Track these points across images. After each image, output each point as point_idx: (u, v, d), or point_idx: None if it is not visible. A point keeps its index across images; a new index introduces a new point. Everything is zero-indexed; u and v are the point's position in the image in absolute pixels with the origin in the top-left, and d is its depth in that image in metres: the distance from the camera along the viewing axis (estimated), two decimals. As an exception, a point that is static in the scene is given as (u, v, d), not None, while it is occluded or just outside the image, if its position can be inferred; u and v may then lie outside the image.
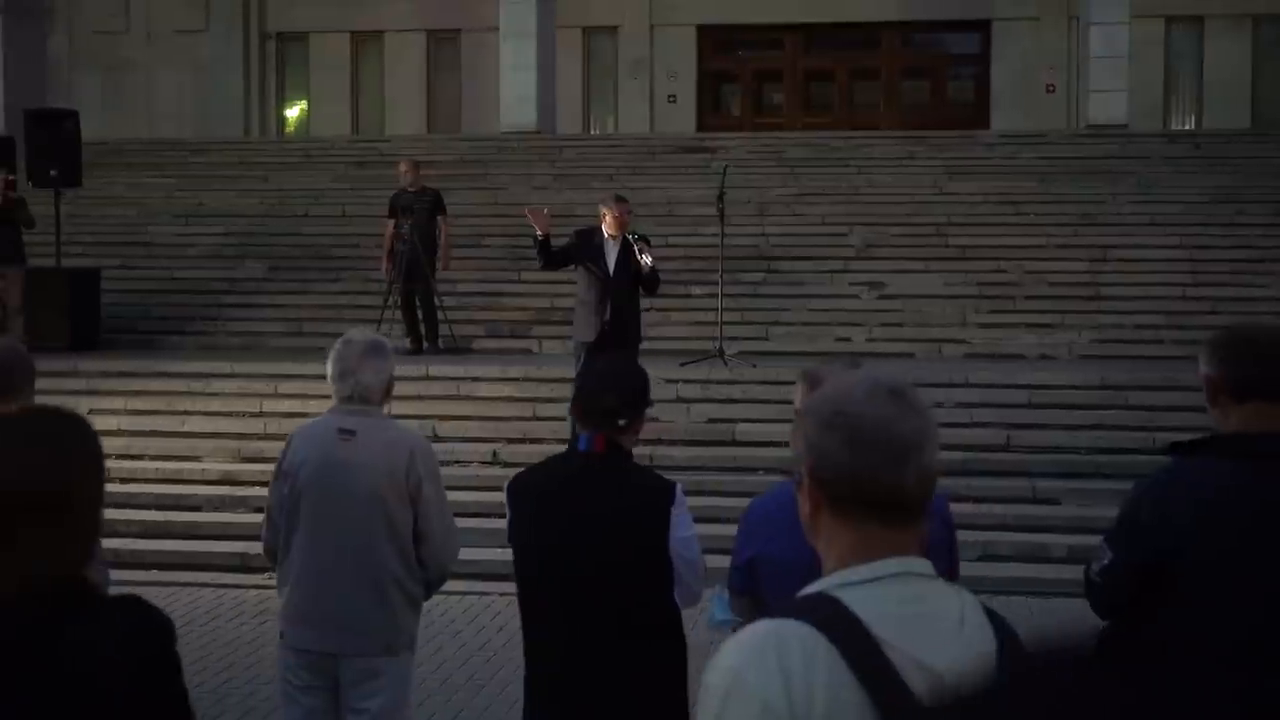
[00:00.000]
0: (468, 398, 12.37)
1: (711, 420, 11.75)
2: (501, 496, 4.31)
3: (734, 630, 2.31)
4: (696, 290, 14.59)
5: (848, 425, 2.01)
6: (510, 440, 11.43)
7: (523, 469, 4.46)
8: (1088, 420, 11.45)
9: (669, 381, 11.89)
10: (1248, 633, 3.20)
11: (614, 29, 25.07)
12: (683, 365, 12.25)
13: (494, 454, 11.24)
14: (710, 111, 25.45)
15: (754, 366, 12.41)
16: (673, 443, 11.27)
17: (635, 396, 4.22)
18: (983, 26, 24.43)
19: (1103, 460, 10.72)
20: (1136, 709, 1.21)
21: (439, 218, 14.40)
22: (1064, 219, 16.39)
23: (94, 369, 13.19)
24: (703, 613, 4.44)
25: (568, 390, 4.94)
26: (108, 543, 8.87)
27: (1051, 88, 23.55)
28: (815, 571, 2.06)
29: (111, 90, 24.89)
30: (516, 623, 4.37)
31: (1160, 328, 14.22)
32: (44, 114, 16.26)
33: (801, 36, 25.11)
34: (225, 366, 13.18)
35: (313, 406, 9.99)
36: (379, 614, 4.75)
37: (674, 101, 24.90)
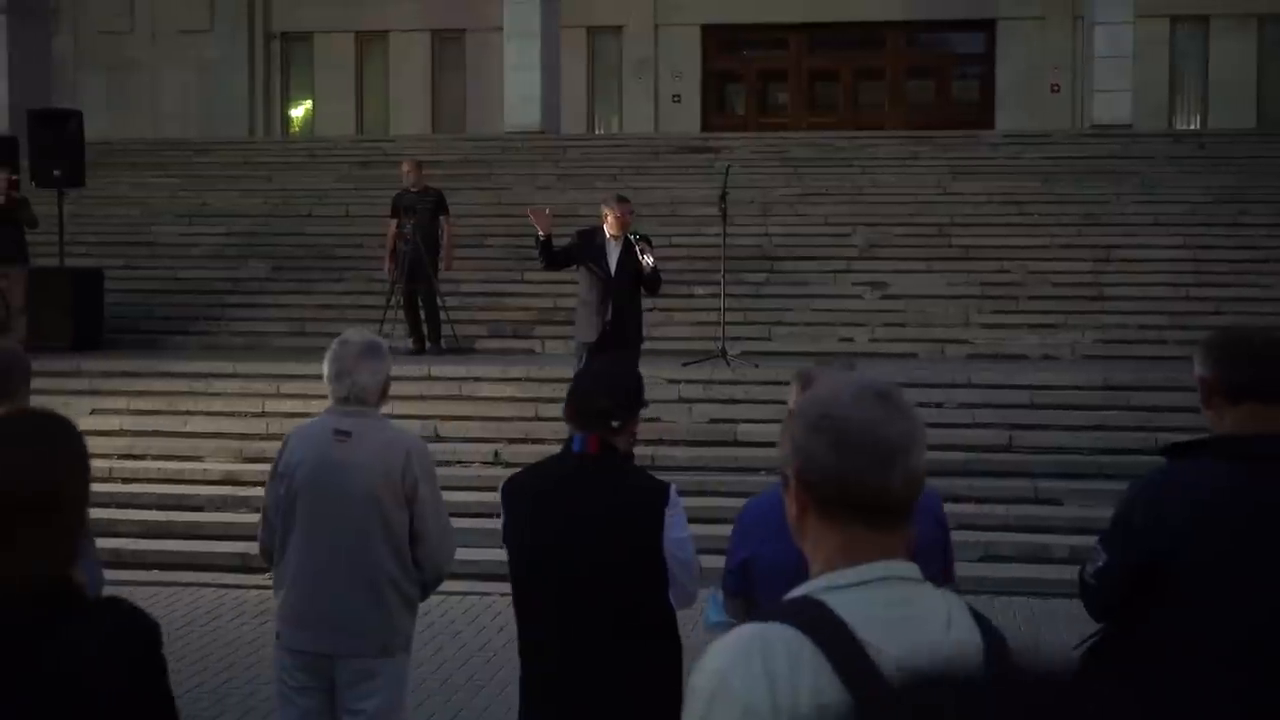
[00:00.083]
0: (470, 398, 12.36)
1: (713, 420, 11.74)
2: (503, 497, 4.31)
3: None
4: (699, 290, 14.58)
5: (834, 428, 2.01)
6: (512, 440, 11.42)
7: (520, 469, 4.47)
8: (1090, 421, 11.43)
9: (671, 381, 11.88)
10: (1243, 634, 3.20)
11: (618, 29, 25.06)
12: (685, 365, 12.24)
13: (496, 454, 11.23)
14: (715, 111, 25.44)
15: (756, 367, 12.38)
16: (674, 443, 11.26)
17: (628, 398, 4.22)
18: (987, 26, 24.40)
19: (1105, 461, 10.69)
20: (1134, 709, 1.19)
21: (442, 218, 14.39)
22: (1067, 219, 16.36)
23: (97, 369, 13.18)
24: (700, 614, 4.43)
25: (569, 391, 4.94)
26: (108, 542, 8.89)
27: (1056, 87, 23.53)
28: (808, 574, 2.06)
29: (116, 90, 24.90)
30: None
31: (1163, 328, 14.19)
32: (48, 114, 16.24)
33: (806, 36, 25.08)
34: (228, 366, 13.17)
35: (315, 407, 9.94)
36: (375, 615, 4.75)
37: (678, 101, 24.89)
